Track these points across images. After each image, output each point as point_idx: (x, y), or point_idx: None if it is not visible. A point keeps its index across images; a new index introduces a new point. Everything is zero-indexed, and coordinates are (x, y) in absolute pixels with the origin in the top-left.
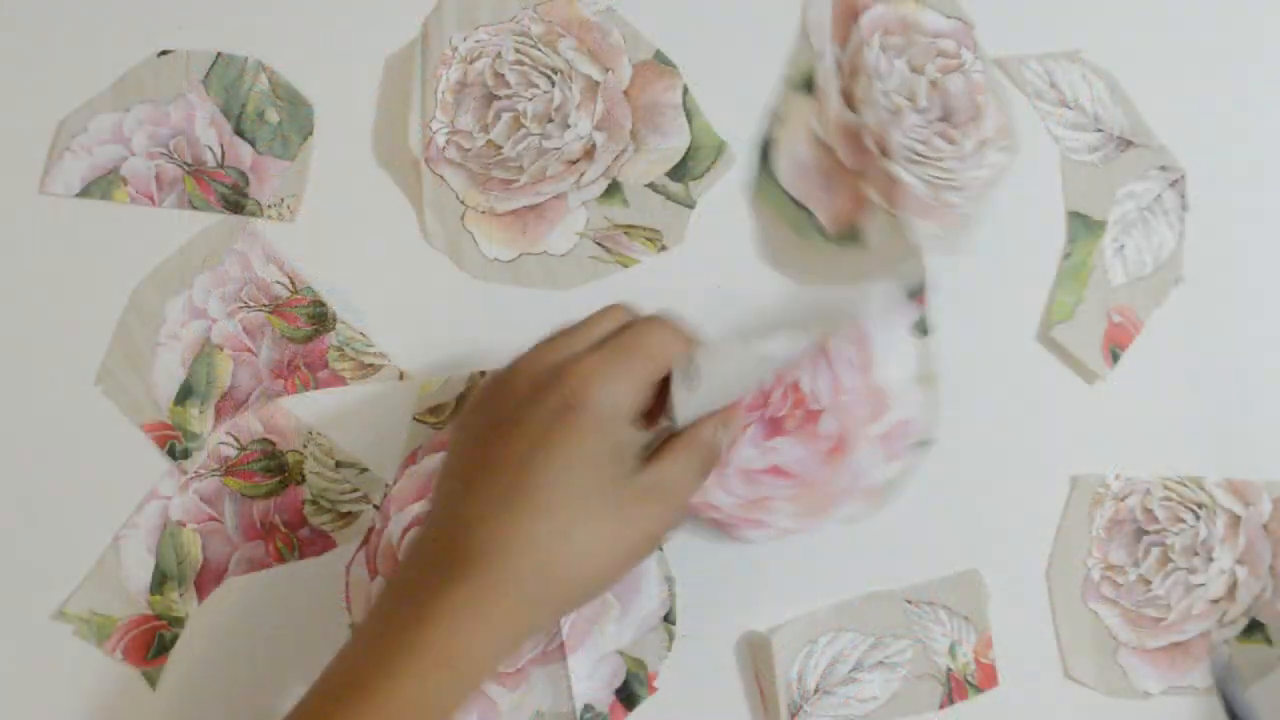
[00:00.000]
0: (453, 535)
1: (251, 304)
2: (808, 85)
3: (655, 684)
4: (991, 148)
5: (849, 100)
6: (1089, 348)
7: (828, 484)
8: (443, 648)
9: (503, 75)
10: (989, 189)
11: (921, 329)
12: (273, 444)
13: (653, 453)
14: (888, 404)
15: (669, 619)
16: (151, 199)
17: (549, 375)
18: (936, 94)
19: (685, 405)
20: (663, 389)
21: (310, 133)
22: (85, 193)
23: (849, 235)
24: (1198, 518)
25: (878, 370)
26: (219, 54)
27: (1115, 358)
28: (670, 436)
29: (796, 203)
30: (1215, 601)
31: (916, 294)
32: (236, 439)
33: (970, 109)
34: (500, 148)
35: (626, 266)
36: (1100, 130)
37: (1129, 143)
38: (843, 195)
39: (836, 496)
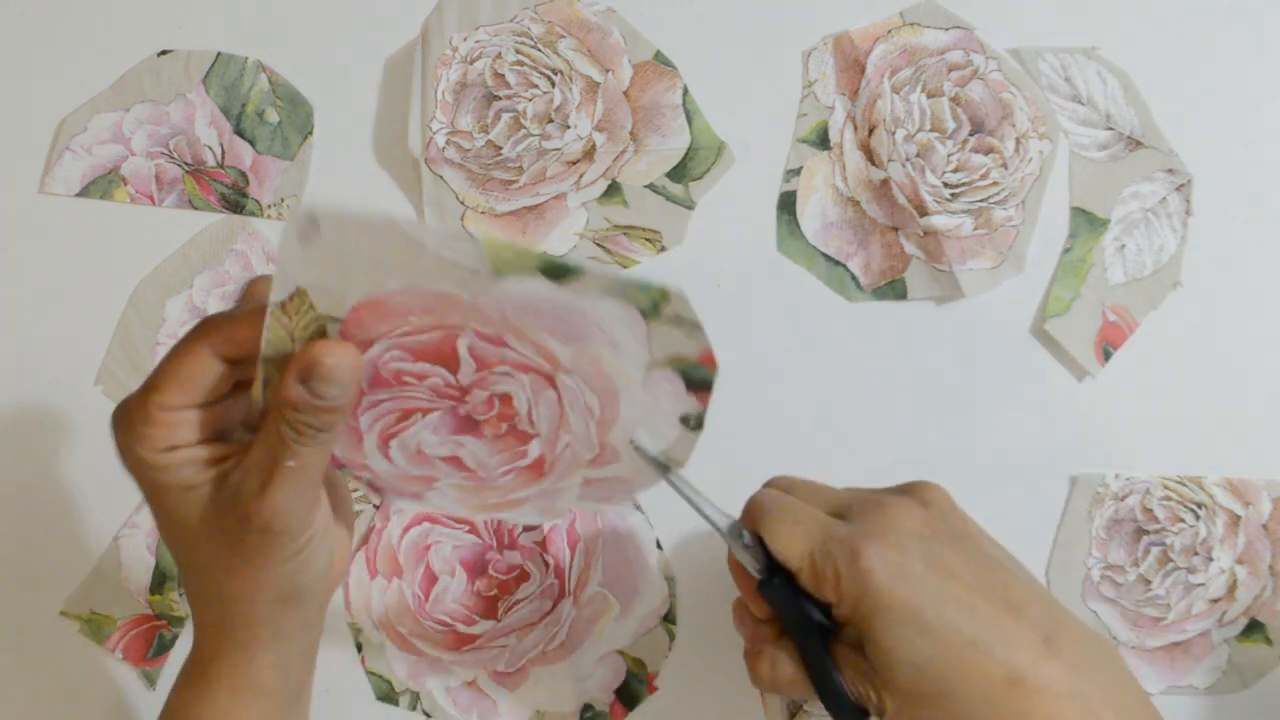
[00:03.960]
0: None
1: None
2: (822, 141)
3: (655, 684)
4: (1031, 139)
5: (870, 156)
6: (1082, 344)
7: (507, 491)
8: None
9: (503, 75)
10: (1040, 186)
11: (693, 423)
12: None
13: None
14: (613, 461)
15: (669, 619)
16: (151, 199)
17: None
18: (962, 109)
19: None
20: None
21: (310, 133)
22: (85, 193)
23: (887, 288)
24: (1197, 517)
25: (617, 434)
26: (219, 54)
27: (1108, 356)
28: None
29: (829, 258)
30: (1215, 601)
31: (701, 389)
32: None
33: (999, 109)
34: (500, 148)
35: (626, 268)
36: (1111, 129)
37: (1138, 143)
38: (877, 249)
39: (513, 504)
